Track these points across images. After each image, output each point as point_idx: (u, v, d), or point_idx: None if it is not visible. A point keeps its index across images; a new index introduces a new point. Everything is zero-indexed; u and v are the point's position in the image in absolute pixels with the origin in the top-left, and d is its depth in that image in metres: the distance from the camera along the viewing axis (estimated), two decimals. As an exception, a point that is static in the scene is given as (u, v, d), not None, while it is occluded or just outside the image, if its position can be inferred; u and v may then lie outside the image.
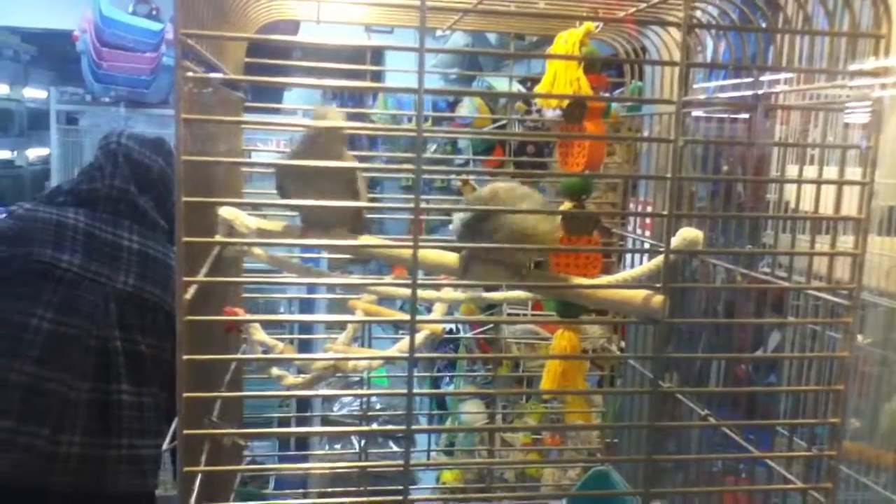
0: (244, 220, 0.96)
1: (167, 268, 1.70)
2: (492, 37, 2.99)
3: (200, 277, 0.81)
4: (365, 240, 0.95)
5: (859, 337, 1.26)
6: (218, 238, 0.91)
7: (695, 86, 1.28)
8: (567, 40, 1.04)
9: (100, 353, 1.59)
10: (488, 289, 1.19)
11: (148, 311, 1.67)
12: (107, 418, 1.59)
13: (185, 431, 0.75)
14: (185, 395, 0.74)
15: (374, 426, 2.37)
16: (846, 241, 0.84)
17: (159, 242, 1.72)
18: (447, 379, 2.85)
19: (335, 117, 0.91)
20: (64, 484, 1.53)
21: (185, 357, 0.73)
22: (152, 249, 1.69)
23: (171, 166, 1.76)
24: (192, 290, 0.75)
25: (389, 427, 1.99)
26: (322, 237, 0.92)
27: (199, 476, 0.83)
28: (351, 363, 1.09)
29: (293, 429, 2.45)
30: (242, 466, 1.30)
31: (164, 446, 0.93)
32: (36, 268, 1.57)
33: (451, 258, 0.87)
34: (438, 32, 2.28)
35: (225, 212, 0.96)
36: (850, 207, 0.83)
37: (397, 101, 3.47)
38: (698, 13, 1.07)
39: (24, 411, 1.52)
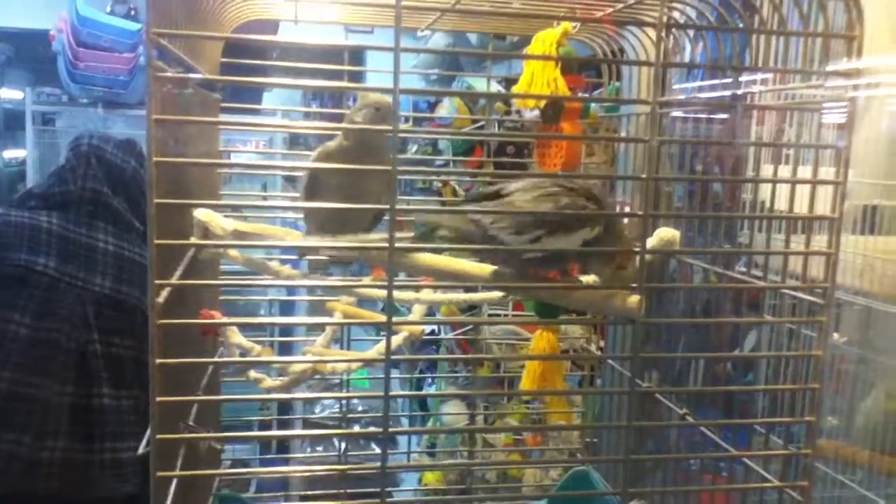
0: (219, 221, 0.95)
1: (143, 269, 1.67)
2: (473, 37, 2.99)
3: (173, 280, 0.80)
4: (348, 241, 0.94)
5: (835, 336, 1.27)
6: (192, 240, 0.90)
7: (674, 86, 1.29)
8: (544, 41, 1.04)
9: (79, 357, 1.58)
10: (468, 289, 1.19)
11: (126, 312, 1.66)
12: (89, 423, 1.57)
13: (159, 436, 0.75)
14: (158, 399, 0.73)
15: (356, 428, 2.36)
16: (821, 241, 0.85)
17: (134, 244, 1.70)
18: (429, 380, 2.84)
19: (382, 100, 0.86)
20: (51, 489, 1.52)
21: (157, 361, 0.72)
22: (128, 251, 1.67)
23: (143, 167, 1.73)
24: (164, 294, 0.74)
25: (366, 429, 1.98)
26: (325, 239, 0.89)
27: (175, 481, 0.82)
28: (329, 365, 1.09)
29: (269, 432, 2.43)
30: (216, 471, 1.28)
31: (140, 450, 0.92)
32: (11, 272, 1.55)
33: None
34: (420, 33, 2.27)
35: (200, 214, 0.95)
36: (824, 207, 0.84)
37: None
38: (676, 14, 1.07)
39: (5, 418, 1.50)
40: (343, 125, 0.91)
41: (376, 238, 0.88)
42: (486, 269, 0.84)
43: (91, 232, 1.64)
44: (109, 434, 1.59)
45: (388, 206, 0.70)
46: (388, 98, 0.81)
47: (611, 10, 1.07)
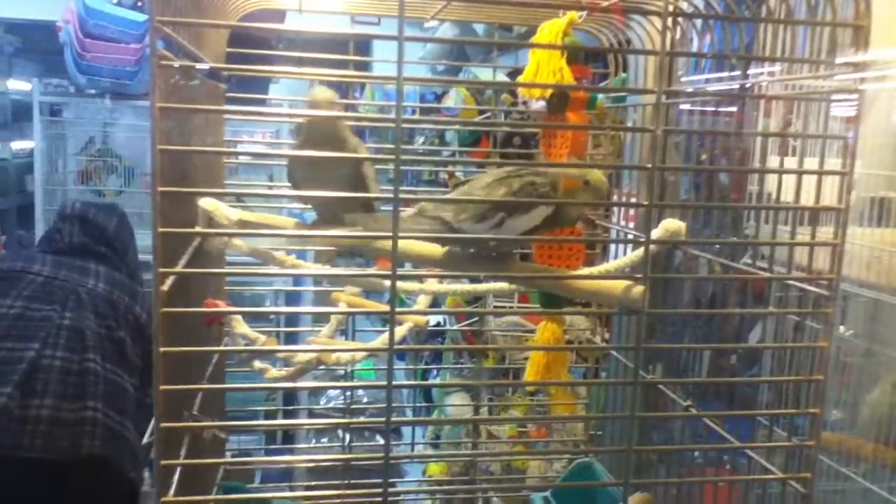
0: (224, 211, 0.95)
1: (134, 288, 1.79)
2: (480, 29, 2.98)
3: (177, 269, 0.81)
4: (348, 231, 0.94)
5: (841, 328, 1.26)
6: (196, 229, 0.90)
7: (682, 79, 1.28)
8: (550, 30, 1.03)
9: (72, 330, 1.59)
10: (473, 280, 1.19)
11: (119, 310, 1.69)
12: (80, 384, 1.54)
13: (163, 424, 0.75)
14: (162, 387, 0.74)
15: (363, 419, 2.37)
16: (827, 233, 0.85)
17: (124, 275, 1.80)
18: (435, 371, 2.85)
19: (328, 98, 0.90)
20: (36, 448, 1.46)
21: (161, 350, 0.72)
22: (118, 276, 1.76)
23: (125, 227, 1.88)
24: (169, 282, 0.74)
25: (367, 420, 1.99)
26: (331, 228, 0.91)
27: (178, 469, 0.83)
28: (334, 356, 1.09)
29: (271, 422, 2.44)
30: (219, 460, 1.29)
31: (145, 439, 0.93)
32: (5, 274, 1.63)
33: (433, 249, 0.87)
34: (426, 23, 2.26)
35: (205, 203, 0.95)
36: (831, 198, 0.83)
37: (385, 94, 3.45)
38: (684, 5, 1.06)
39: None
40: (341, 115, 0.92)
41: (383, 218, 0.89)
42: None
43: (83, 264, 1.75)
44: (102, 396, 1.53)
45: (390, 196, 0.70)
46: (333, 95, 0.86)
47: (616, -1, 1.07)
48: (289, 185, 0.99)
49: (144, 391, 1.69)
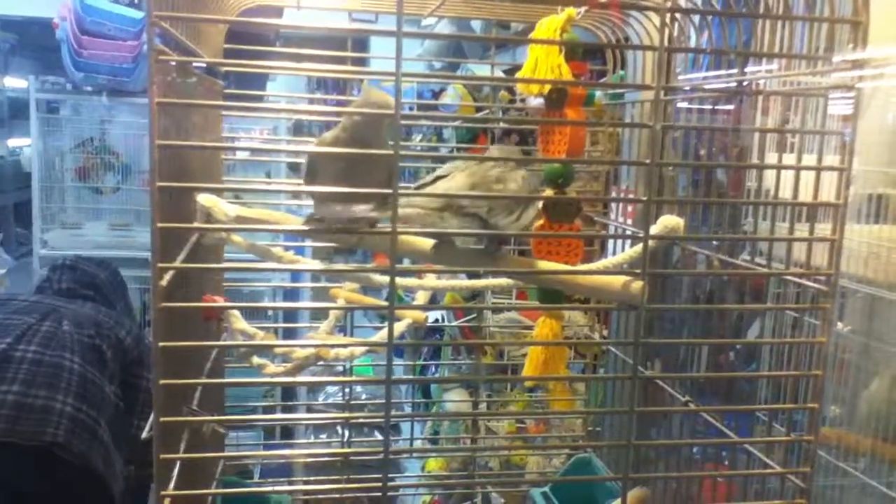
0: (222, 207, 0.95)
1: (120, 318, 1.82)
2: (477, 27, 2.98)
3: (176, 264, 0.81)
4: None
5: (839, 324, 1.26)
6: (195, 225, 0.90)
7: (680, 77, 1.28)
8: (548, 27, 1.03)
9: (49, 332, 1.60)
10: (472, 276, 1.19)
11: (103, 328, 1.69)
12: (51, 375, 1.52)
13: (162, 419, 0.75)
14: (161, 381, 0.74)
15: (362, 415, 2.37)
16: (826, 230, 0.85)
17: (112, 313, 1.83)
18: (433, 369, 2.85)
19: (382, 99, 0.85)
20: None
21: (160, 344, 0.72)
22: (104, 310, 1.81)
23: (116, 279, 1.92)
24: (167, 277, 0.74)
25: (366, 415, 1.99)
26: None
27: (178, 464, 0.83)
28: (332, 351, 1.09)
29: (269, 416, 2.45)
30: (217, 454, 1.29)
31: (144, 434, 0.92)
32: None
33: (424, 243, 0.87)
34: (424, 21, 2.26)
35: (203, 199, 0.95)
36: (829, 195, 0.83)
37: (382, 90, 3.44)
38: (682, 1, 1.07)
39: None
40: (339, 109, 0.90)
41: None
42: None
43: (69, 298, 1.77)
44: (74, 393, 1.52)
45: (389, 191, 0.70)
46: (390, 99, 0.80)
47: (615, -5, 1.07)
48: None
49: (130, 421, 1.70)
